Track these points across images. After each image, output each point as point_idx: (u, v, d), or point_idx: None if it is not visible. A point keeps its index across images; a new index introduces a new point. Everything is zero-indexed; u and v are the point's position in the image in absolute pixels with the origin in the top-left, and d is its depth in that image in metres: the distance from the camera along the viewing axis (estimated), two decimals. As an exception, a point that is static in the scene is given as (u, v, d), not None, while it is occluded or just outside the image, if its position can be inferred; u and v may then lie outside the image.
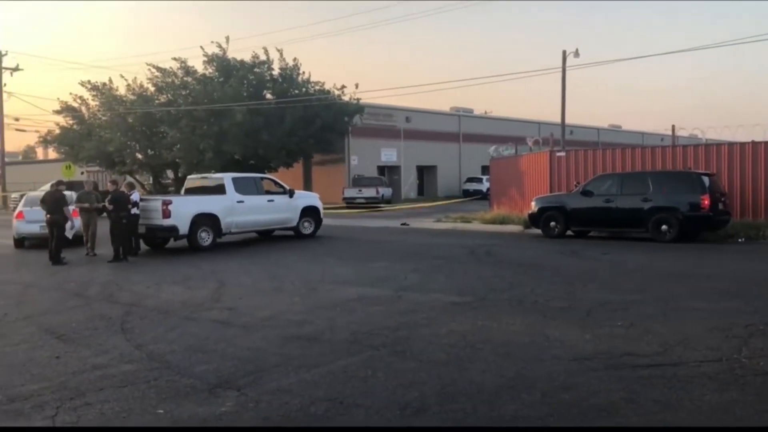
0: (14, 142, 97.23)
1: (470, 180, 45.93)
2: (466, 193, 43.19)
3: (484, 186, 39.60)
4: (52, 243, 14.47)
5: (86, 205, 15.92)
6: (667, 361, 5.93)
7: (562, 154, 21.58)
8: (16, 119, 44.56)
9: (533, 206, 18.31)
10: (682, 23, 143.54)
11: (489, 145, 35.30)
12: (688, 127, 68.18)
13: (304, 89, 36.70)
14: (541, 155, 22.94)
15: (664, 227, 15.81)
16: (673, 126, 29.76)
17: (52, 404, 5.15)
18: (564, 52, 34.13)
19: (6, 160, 46.95)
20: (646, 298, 8.96)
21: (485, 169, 39.97)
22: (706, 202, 15.52)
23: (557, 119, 36.94)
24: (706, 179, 15.95)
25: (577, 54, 33.90)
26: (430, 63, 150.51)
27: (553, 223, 17.57)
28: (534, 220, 18.19)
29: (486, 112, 57.16)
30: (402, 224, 23.31)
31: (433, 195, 45.70)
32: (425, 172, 49.00)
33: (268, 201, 18.13)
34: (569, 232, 17.51)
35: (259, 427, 4.67)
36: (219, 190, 17.23)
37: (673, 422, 4.59)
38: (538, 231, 18.06)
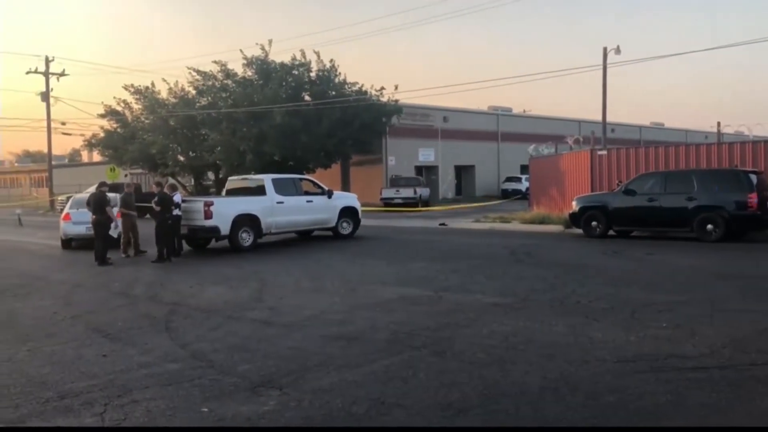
0: (60, 146, 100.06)
1: (509, 179, 45.53)
2: (505, 193, 42.82)
3: (523, 186, 39.22)
4: (98, 243, 14.80)
5: (130, 211, 16.12)
6: (715, 364, 5.79)
7: (604, 152, 21.25)
8: (63, 123, 45.72)
9: (574, 206, 18.06)
10: (726, 18, 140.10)
11: (528, 144, 34.95)
12: (733, 124, 66.55)
13: (341, 90, 36.86)
14: (581, 154, 22.63)
15: (709, 227, 15.44)
16: (719, 123, 29.09)
17: (100, 401, 5.26)
18: (605, 49, 33.60)
19: (53, 163, 48.22)
20: (691, 299, 8.77)
21: (524, 169, 39.58)
22: (754, 200, 15.11)
23: (598, 117, 36.40)
24: (753, 177, 15.52)
25: (618, 51, 33.32)
26: (467, 62, 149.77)
27: (594, 223, 17.31)
28: (575, 219, 17.95)
29: (525, 111, 56.59)
30: (440, 224, 23.24)
31: (471, 195, 45.44)
32: (463, 172, 48.74)
33: (307, 202, 18.26)
34: (611, 232, 17.23)
35: (303, 428, 4.70)
36: (259, 191, 17.42)
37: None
38: (579, 231, 17.81)
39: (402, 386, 5.42)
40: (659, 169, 18.72)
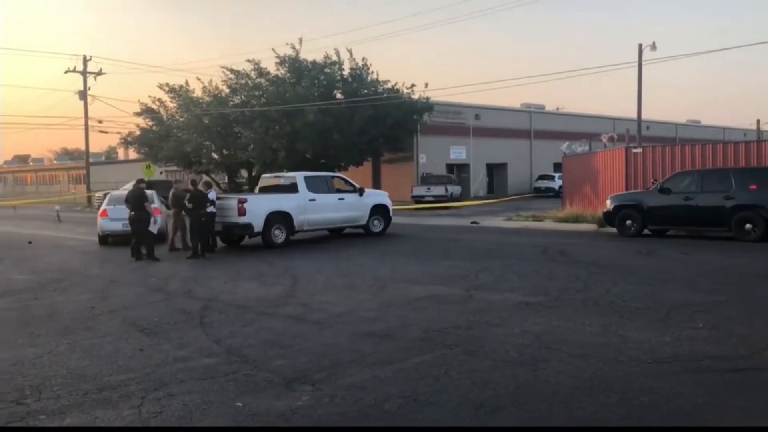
0: (97, 143, 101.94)
1: (542, 178, 45.12)
2: (538, 191, 42.47)
3: (557, 184, 38.84)
4: (134, 240, 15.05)
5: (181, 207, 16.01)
6: (754, 366, 5.69)
7: (639, 150, 20.94)
8: (100, 121, 46.66)
9: (608, 204, 17.85)
10: (764, 14, 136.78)
11: (561, 142, 34.62)
12: (774, 121, 64.98)
13: (373, 89, 36.92)
14: (616, 152, 22.34)
15: (748, 226, 15.13)
16: (758, 120, 28.39)
17: (137, 394, 5.37)
18: (640, 46, 33.08)
19: (90, 160, 49.18)
20: (729, 300, 8.62)
21: (557, 167, 39.21)
22: (794, 199, 14.76)
23: (633, 115, 35.83)
24: (794, 176, 15.17)
25: (654, 47, 32.80)
26: (499, 59, 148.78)
27: (629, 222, 17.09)
28: (609, 218, 17.74)
29: (558, 109, 55.99)
30: (472, 223, 23.15)
31: (503, 193, 45.15)
32: (495, 170, 48.45)
33: (339, 199, 18.36)
34: (646, 231, 16.99)
35: (339, 428, 4.74)
36: (292, 188, 17.57)
37: None
38: (613, 230, 17.60)
39: (434, 384, 5.43)
40: (696, 167, 18.40)
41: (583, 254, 13.93)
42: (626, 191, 19.36)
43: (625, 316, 7.72)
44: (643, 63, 33.03)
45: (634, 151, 20.94)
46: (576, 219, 21.14)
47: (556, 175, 40.37)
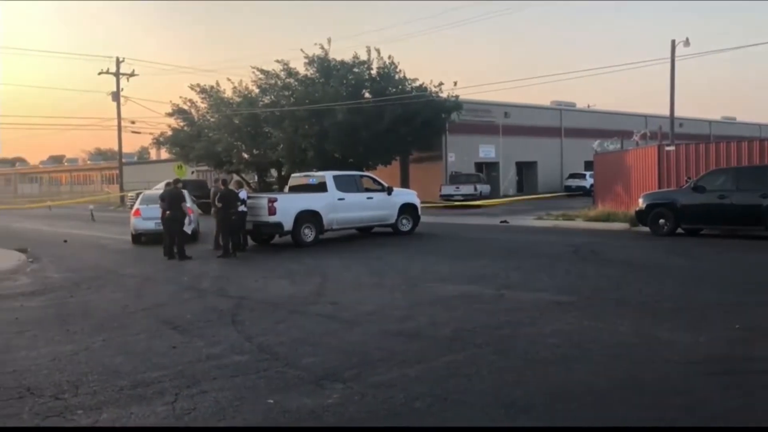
0: (130, 144, 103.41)
1: (572, 176, 44.62)
2: (569, 190, 42.03)
3: (588, 182, 38.37)
4: (168, 238, 15.24)
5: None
6: (792, 368, 5.57)
7: (672, 148, 20.62)
8: (132, 122, 47.34)
9: (641, 203, 17.60)
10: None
11: (592, 139, 34.25)
12: (812, 118, 63.48)
13: (401, 87, 36.89)
14: (648, 150, 22.02)
15: (785, 225, 14.80)
16: (796, 117, 27.77)
17: (171, 391, 5.46)
18: (673, 42, 32.58)
19: (123, 160, 49.97)
20: (765, 300, 8.44)
21: (588, 165, 38.76)
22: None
23: (665, 112, 35.31)
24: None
25: (687, 43, 32.26)
26: (528, 57, 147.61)
27: (662, 221, 16.83)
28: (641, 217, 17.49)
29: (589, 106, 55.35)
30: (501, 222, 23.01)
31: (533, 192, 44.78)
32: (525, 169, 48.07)
33: (368, 198, 18.40)
34: (679, 230, 16.72)
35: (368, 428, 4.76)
36: (321, 188, 17.67)
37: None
38: (646, 229, 17.35)
39: (464, 383, 5.42)
40: (731, 164, 18.03)
41: (615, 253, 13.77)
42: (659, 189, 19.08)
43: (659, 317, 7.61)
44: (676, 59, 32.52)
45: (667, 148, 20.62)
46: (608, 218, 20.88)
47: (587, 173, 39.92)
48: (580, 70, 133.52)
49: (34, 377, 5.96)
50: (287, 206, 16.42)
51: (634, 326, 7.16)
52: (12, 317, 8.82)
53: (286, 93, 37.01)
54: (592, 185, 30.98)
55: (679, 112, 34.94)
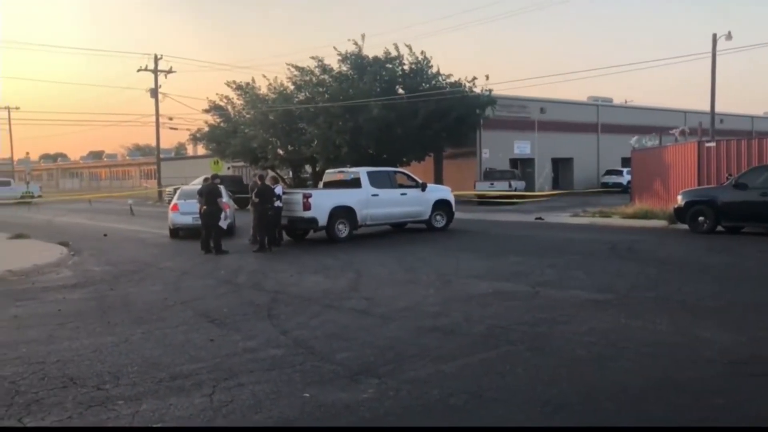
0: (167, 140, 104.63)
1: (609, 173, 44.03)
2: (605, 186, 41.44)
3: (625, 179, 37.80)
4: (205, 233, 15.45)
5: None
6: (838, 370, 5.43)
7: (712, 144, 20.19)
8: (170, 118, 48.14)
9: (679, 200, 17.29)
10: None
11: (630, 135, 33.60)
12: None
13: (434, 82, 36.76)
14: (688, 146, 21.60)
15: (831, 223, 14.40)
16: (843, 112, 26.93)
17: (208, 383, 5.54)
18: (714, 36, 31.87)
19: (160, 156, 50.76)
20: (810, 301, 8.24)
21: (625, 162, 38.16)
22: None
23: (705, 107, 34.60)
24: None
25: (729, 37, 31.51)
26: (564, 52, 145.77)
27: (701, 218, 16.52)
28: (680, 214, 17.18)
29: (626, 101, 54.48)
30: (536, 218, 22.81)
31: (568, 188, 44.26)
32: (560, 165, 47.51)
33: (401, 194, 18.41)
34: (719, 228, 16.38)
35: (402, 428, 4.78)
36: (355, 183, 17.73)
37: None
38: (685, 226, 17.04)
39: (499, 380, 5.40)
40: (774, 161, 17.60)
41: (653, 251, 13.55)
42: (699, 186, 18.72)
43: (698, 315, 7.49)
44: (717, 53, 31.80)
45: (708, 145, 20.20)
46: (645, 215, 20.56)
47: (625, 170, 39.33)
48: (617, 65, 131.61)
49: (76, 367, 6.11)
50: (322, 202, 16.52)
51: (673, 325, 7.05)
52: (55, 309, 9.05)
53: (321, 89, 37.18)
54: (629, 182, 30.52)
55: (719, 108, 34.18)
